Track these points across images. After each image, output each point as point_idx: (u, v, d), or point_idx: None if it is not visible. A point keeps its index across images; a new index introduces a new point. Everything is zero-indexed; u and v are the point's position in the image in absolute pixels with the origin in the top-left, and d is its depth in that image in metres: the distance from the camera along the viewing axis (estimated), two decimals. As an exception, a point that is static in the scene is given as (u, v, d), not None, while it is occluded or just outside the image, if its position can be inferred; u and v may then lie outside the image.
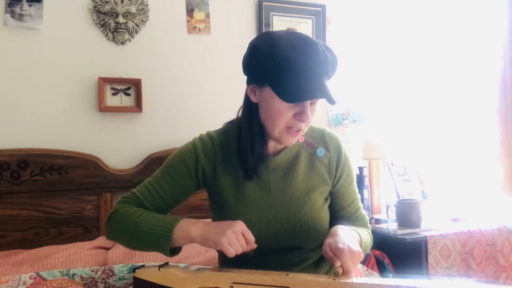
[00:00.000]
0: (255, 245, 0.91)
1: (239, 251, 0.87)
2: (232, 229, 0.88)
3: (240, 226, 0.90)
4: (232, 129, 1.08)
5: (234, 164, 1.04)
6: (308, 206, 1.03)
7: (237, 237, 0.87)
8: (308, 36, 0.95)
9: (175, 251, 0.97)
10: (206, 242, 0.90)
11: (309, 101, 0.94)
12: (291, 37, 0.94)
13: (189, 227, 0.92)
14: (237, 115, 1.08)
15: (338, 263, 0.85)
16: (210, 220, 1.14)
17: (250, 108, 1.02)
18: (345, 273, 0.84)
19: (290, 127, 0.96)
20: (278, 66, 0.91)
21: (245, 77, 1.03)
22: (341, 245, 0.87)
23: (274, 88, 0.92)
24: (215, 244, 0.88)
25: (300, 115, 0.94)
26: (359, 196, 1.16)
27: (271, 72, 0.92)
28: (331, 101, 0.91)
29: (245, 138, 1.01)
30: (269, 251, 1.02)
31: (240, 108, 1.07)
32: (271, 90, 0.93)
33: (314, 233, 1.03)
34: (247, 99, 1.02)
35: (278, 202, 1.03)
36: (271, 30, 2.20)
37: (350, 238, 0.93)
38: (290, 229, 1.02)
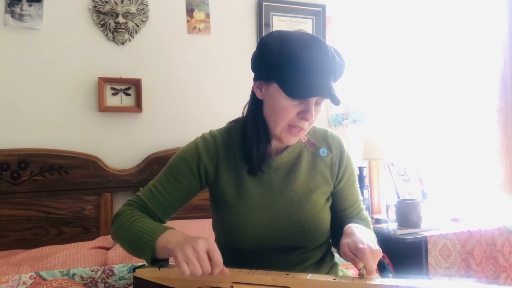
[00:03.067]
0: (226, 272, 0.81)
1: (198, 272, 0.77)
2: (193, 245, 0.79)
3: (204, 244, 0.80)
4: (236, 128, 1.08)
5: (237, 163, 1.04)
6: (309, 206, 1.03)
7: (198, 256, 0.78)
8: (319, 37, 0.96)
9: (158, 261, 0.92)
10: (172, 256, 0.82)
11: (314, 100, 0.94)
12: (302, 36, 0.95)
13: (169, 238, 0.88)
14: (243, 113, 1.08)
15: (360, 264, 0.82)
16: (210, 220, 1.14)
17: (255, 104, 1.02)
18: (369, 273, 0.82)
19: (292, 126, 0.96)
20: (286, 62, 0.92)
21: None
22: (361, 245, 0.84)
23: (280, 84, 0.93)
24: (174, 258, 0.80)
25: (304, 114, 0.94)
26: (361, 197, 1.16)
27: (279, 68, 0.93)
28: (336, 101, 0.92)
29: (250, 134, 1.01)
30: (270, 251, 1.01)
31: (246, 105, 1.07)
32: (277, 86, 0.94)
33: (315, 233, 1.03)
34: (253, 95, 1.03)
35: (280, 202, 1.03)
36: (271, 30, 2.20)
37: (367, 236, 0.92)
38: (291, 229, 1.02)
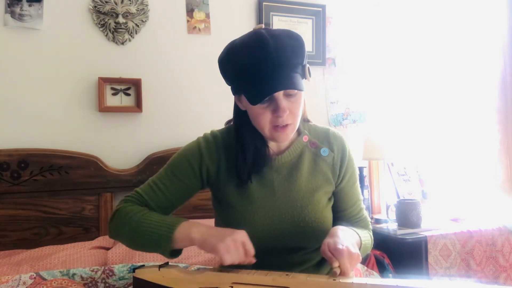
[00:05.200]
0: (253, 260, 0.88)
1: (236, 261, 0.86)
2: (233, 237, 0.87)
3: (241, 236, 0.88)
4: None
5: None
6: (311, 206, 1.03)
7: (236, 246, 0.86)
8: (261, 32, 0.93)
9: (175, 253, 0.96)
10: (205, 246, 0.89)
11: (280, 96, 0.93)
12: (246, 39, 0.94)
13: (190, 229, 0.91)
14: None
15: (336, 264, 0.85)
16: (211, 220, 1.14)
17: (239, 116, 1.03)
18: (343, 274, 0.84)
19: (275, 125, 0.96)
20: (238, 73, 0.94)
21: None
22: (340, 246, 0.86)
23: (244, 94, 0.94)
24: (212, 249, 0.87)
25: (276, 112, 0.94)
26: (362, 197, 1.16)
27: (237, 81, 0.96)
28: (297, 88, 0.91)
29: (236, 147, 1.02)
30: (272, 251, 1.01)
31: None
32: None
33: (317, 233, 1.03)
34: (236, 107, 1.04)
35: (282, 202, 1.03)
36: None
37: (350, 240, 0.92)
38: (293, 229, 1.02)
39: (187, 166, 1.04)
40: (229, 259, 0.84)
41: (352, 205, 1.12)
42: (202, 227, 0.92)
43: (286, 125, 0.96)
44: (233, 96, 1.03)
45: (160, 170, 1.08)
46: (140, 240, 0.97)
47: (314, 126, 1.12)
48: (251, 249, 0.88)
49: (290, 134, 0.99)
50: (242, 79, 0.94)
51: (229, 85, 1.02)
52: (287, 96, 0.94)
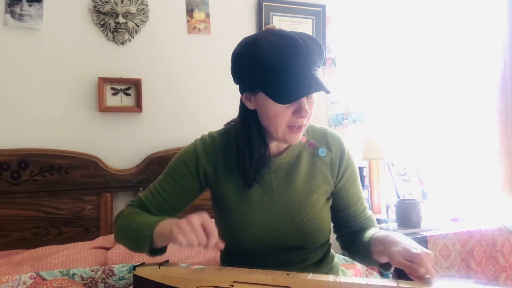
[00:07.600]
0: (221, 244, 0.84)
1: (194, 243, 0.81)
2: (187, 219, 0.83)
3: (198, 217, 0.84)
4: (234, 129, 1.08)
5: (236, 164, 1.04)
6: (310, 207, 1.03)
7: (192, 228, 0.81)
8: (288, 32, 0.93)
9: (158, 251, 0.96)
10: (168, 236, 0.86)
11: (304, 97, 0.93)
12: (271, 37, 0.92)
13: (165, 225, 0.90)
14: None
15: (422, 270, 0.81)
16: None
17: (247, 115, 1.01)
18: (432, 276, 0.81)
19: (292, 126, 0.96)
20: (264, 70, 0.90)
21: None
22: (415, 251, 0.84)
23: (266, 93, 0.92)
24: (169, 234, 0.84)
25: (298, 112, 0.94)
26: (364, 196, 1.15)
27: (259, 78, 0.92)
28: (326, 91, 0.91)
29: (242, 147, 1.01)
30: (271, 251, 1.02)
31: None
32: (264, 94, 0.93)
33: (315, 234, 1.03)
34: (242, 107, 1.02)
35: (280, 203, 1.03)
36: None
37: (409, 240, 0.90)
38: (292, 229, 1.02)
39: (184, 169, 1.04)
40: (183, 240, 0.80)
41: (355, 203, 1.12)
42: (174, 221, 0.90)
43: (301, 126, 0.96)
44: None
45: (160, 174, 1.08)
46: (128, 240, 0.99)
47: (312, 126, 1.12)
48: (213, 229, 0.83)
49: (301, 134, 1.00)
50: (266, 77, 0.91)
51: (238, 83, 1.00)
52: (307, 97, 0.94)
